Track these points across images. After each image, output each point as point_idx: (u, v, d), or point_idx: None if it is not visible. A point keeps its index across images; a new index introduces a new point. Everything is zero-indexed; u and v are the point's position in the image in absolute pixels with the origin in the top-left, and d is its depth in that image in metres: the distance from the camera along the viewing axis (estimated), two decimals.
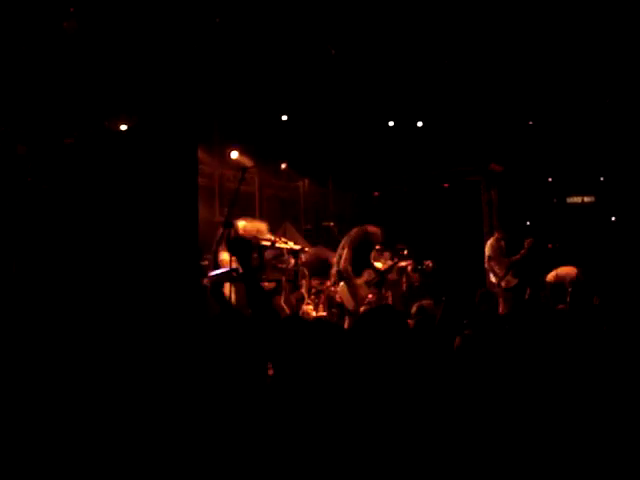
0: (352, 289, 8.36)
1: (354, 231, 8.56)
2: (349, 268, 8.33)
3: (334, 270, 8.79)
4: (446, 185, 12.73)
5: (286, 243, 8.64)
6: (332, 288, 8.94)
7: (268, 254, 8.44)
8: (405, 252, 9.92)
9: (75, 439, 4.12)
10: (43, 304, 6.13)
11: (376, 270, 8.82)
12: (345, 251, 8.38)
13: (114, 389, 4.91)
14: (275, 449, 2.83)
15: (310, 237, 10.86)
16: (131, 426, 4.03)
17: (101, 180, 6.88)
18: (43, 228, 6.72)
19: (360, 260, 8.47)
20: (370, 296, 8.51)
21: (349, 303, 8.33)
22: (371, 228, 8.59)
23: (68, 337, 5.87)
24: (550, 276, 10.55)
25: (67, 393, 4.93)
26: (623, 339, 4.46)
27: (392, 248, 9.92)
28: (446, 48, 10.39)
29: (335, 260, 8.78)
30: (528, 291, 10.33)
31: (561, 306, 9.90)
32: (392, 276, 9.07)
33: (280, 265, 8.69)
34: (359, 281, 8.39)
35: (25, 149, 7.37)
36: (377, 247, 9.25)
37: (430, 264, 10.17)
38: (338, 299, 9.03)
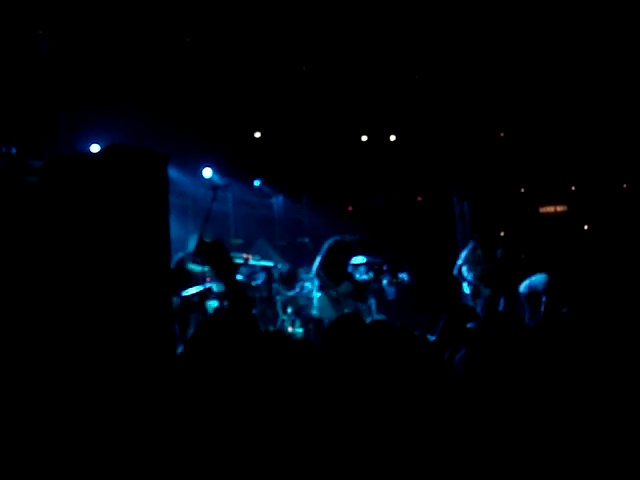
0: (331, 300, 8.35)
1: (328, 242, 8.59)
2: (324, 276, 8.33)
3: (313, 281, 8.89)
4: (419, 198, 12.82)
5: (259, 260, 8.68)
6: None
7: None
8: (377, 267, 9.97)
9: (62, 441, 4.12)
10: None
11: (355, 281, 8.85)
12: (318, 259, 8.42)
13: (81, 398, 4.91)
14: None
15: (285, 253, 10.88)
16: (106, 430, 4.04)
17: (71, 200, 6.87)
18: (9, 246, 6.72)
19: (336, 270, 8.46)
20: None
21: (327, 314, 8.31)
22: (344, 238, 8.60)
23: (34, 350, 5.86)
24: (523, 286, 10.64)
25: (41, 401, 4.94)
26: (596, 348, 4.52)
27: (368, 263, 9.96)
28: (417, 62, 10.50)
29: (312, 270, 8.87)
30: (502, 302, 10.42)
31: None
32: None
33: (253, 282, 8.74)
34: (339, 292, 8.38)
35: None
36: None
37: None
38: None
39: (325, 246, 8.49)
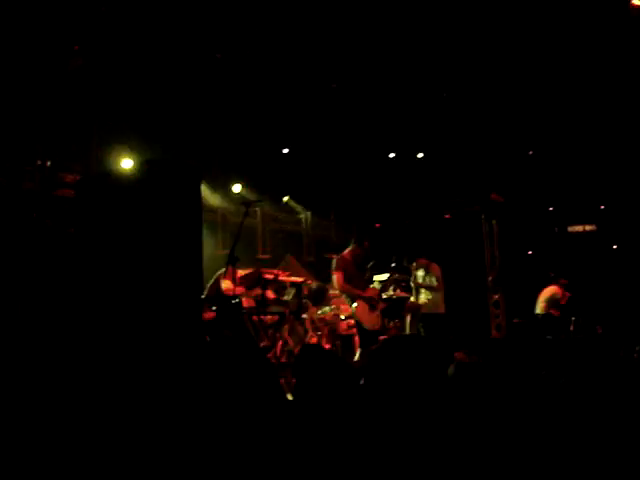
0: (368, 306, 8.36)
1: (333, 261, 8.61)
2: (346, 287, 8.34)
3: (337, 297, 8.94)
4: (447, 216, 12.79)
5: (288, 276, 8.70)
6: (339, 314, 9.07)
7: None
8: (404, 284, 9.95)
9: (74, 440, 4.15)
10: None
11: (380, 292, 8.90)
12: (334, 276, 8.42)
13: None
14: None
15: (313, 269, 10.91)
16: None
17: (108, 215, 6.96)
18: (49, 264, 6.79)
19: (357, 279, 8.49)
20: (391, 324, 8.70)
21: (366, 321, 8.32)
22: (344, 252, 8.63)
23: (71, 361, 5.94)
24: (540, 307, 10.90)
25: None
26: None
27: (394, 280, 9.94)
28: (445, 81, 10.51)
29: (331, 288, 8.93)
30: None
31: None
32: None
33: (282, 298, 8.76)
34: (367, 297, 8.39)
35: (32, 185, 7.47)
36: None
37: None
38: (344, 328, 9.10)
39: (336, 264, 8.51)
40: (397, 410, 3.38)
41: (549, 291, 11.37)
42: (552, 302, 11.27)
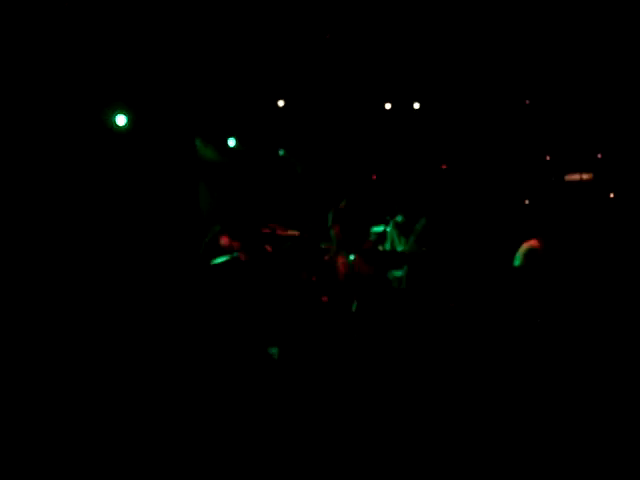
0: (363, 258, 8.43)
1: (329, 214, 8.64)
2: (344, 241, 8.41)
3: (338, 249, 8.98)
4: (444, 166, 12.77)
5: (286, 231, 8.70)
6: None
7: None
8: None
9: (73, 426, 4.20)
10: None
11: (376, 244, 8.95)
12: (333, 229, 8.47)
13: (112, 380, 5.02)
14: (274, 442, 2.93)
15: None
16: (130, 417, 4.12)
17: (107, 172, 6.95)
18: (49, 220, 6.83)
19: (352, 232, 8.57)
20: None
21: (364, 273, 8.41)
22: (337, 207, 8.65)
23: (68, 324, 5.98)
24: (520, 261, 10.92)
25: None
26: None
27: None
28: (439, 30, 10.41)
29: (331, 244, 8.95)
30: None
31: None
32: None
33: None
34: (364, 249, 8.46)
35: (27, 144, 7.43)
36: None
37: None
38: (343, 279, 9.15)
39: (330, 218, 8.56)
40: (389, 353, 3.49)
41: (528, 246, 11.33)
42: (530, 257, 11.18)
